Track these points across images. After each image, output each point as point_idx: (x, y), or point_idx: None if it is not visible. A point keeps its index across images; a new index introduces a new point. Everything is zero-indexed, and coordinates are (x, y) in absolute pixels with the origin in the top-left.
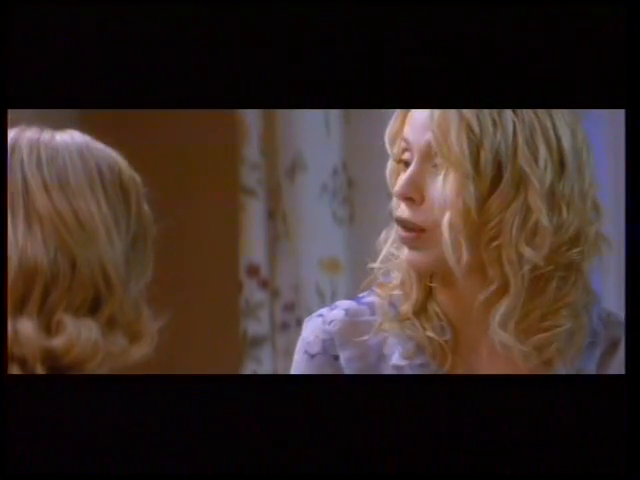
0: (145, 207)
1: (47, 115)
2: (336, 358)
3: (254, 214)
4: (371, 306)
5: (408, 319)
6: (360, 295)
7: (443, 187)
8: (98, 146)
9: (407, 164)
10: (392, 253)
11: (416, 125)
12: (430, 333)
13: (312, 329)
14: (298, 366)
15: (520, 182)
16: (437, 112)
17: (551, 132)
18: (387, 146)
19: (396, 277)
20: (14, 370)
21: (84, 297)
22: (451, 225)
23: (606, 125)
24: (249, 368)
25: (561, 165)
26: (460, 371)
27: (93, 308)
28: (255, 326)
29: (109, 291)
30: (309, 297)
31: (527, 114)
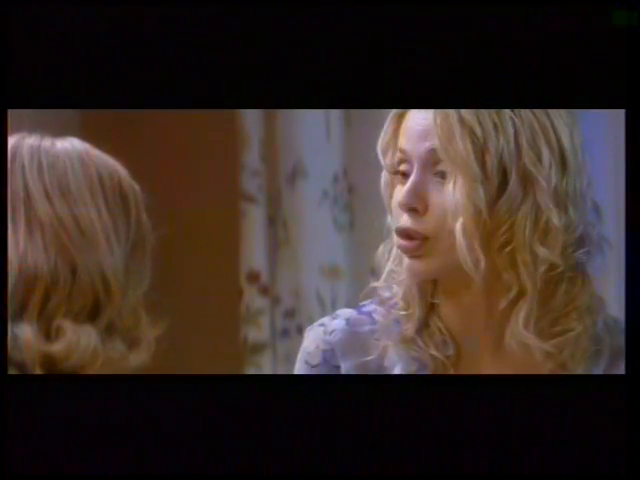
0: (144, 215)
1: (48, 118)
2: (337, 368)
3: (255, 220)
4: (372, 315)
5: (412, 339)
6: (361, 304)
7: (453, 193)
8: (98, 153)
9: (405, 175)
10: (393, 270)
11: (412, 135)
12: (433, 351)
13: (313, 339)
14: None
15: (527, 183)
16: (439, 118)
17: (551, 132)
18: (380, 157)
19: (397, 293)
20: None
21: (84, 303)
22: (464, 230)
23: (606, 125)
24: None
25: (563, 164)
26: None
27: (92, 314)
28: (255, 332)
29: (108, 297)
30: (309, 303)
31: (526, 115)
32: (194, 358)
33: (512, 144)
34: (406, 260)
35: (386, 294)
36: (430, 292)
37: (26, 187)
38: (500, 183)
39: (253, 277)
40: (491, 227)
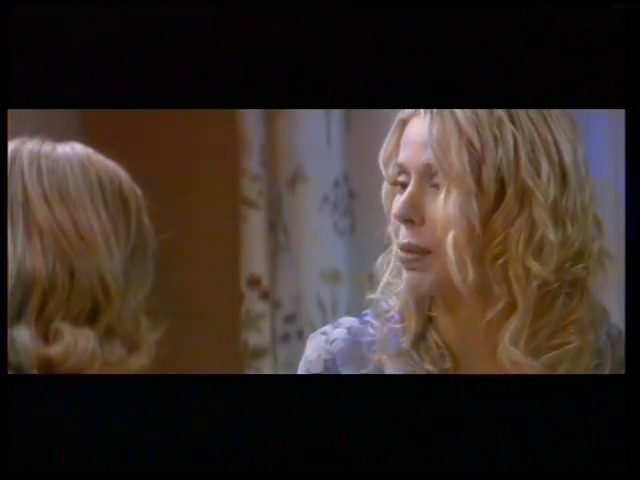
0: (146, 219)
1: (50, 121)
2: None
3: (255, 226)
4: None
5: (407, 353)
6: (364, 312)
7: (445, 205)
8: (99, 158)
9: (404, 186)
10: (390, 282)
11: (411, 146)
12: (428, 366)
13: (315, 348)
14: None
15: (524, 197)
16: (435, 129)
17: (552, 147)
18: (381, 168)
19: (394, 305)
20: None
21: (82, 307)
22: (455, 244)
23: (606, 125)
24: None
25: (563, 179)
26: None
27: (91, 317)
28: (256, 337)
29: (107, 301)
30: (310, 308)
31: (527, 128)
32: (195, 362)
33: (511, 156)
34: (405, 272)
35: (383, 306)
36: (427, 305)
37: (25, 191)
38: (496, 195)
39: (254, 282)
40: (485, 239)
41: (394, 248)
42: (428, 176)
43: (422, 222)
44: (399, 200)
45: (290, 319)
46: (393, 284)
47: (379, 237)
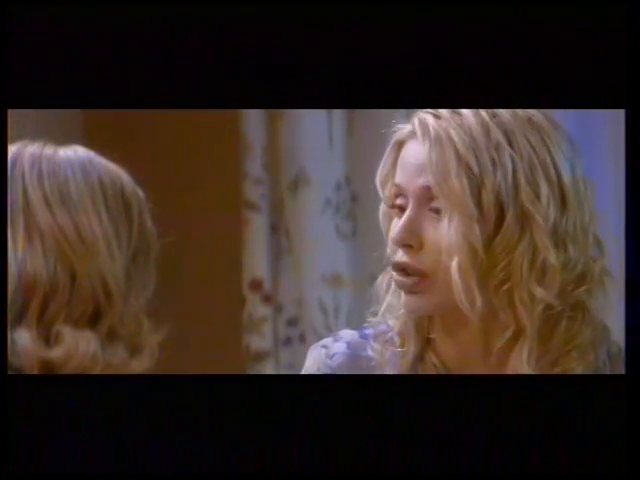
0: (148, 222)
1: (51, 123)
2: None
3: (257, 229)
4: (371, 340)
5: None
6: (364, 325)
7: (448, 231)
8: (101, 161)
9: (401, 209)
10: (392, 304)
11: (408, 169)
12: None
13: (314, 361)
14: None
15: (524, 221)
16: (433, 154)
17: (551, 168)
18: (378, 189)
19: (394, 327)
20: None
21: (84, 309)
22: (460, 269)
23: (606, 125)
24: None
25: (562, 201)
26: None
27: (93, 320)
28: (258, 341)
29: (109, 304)
30: (312, 312)
31: (525, 150)
32: (196, 366)
33: (510, 180)
34: (403, 296)
35: (382, 327)
36: (426, 327)
37: (26, 194)
38: (497, 220)
39: (256, 285)
40: (488, 265)
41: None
42: (426, 199)
43: (421, 247)
44: (397, 225)
45: (292, 322)
46: (394, 306)
47: (382, 241)
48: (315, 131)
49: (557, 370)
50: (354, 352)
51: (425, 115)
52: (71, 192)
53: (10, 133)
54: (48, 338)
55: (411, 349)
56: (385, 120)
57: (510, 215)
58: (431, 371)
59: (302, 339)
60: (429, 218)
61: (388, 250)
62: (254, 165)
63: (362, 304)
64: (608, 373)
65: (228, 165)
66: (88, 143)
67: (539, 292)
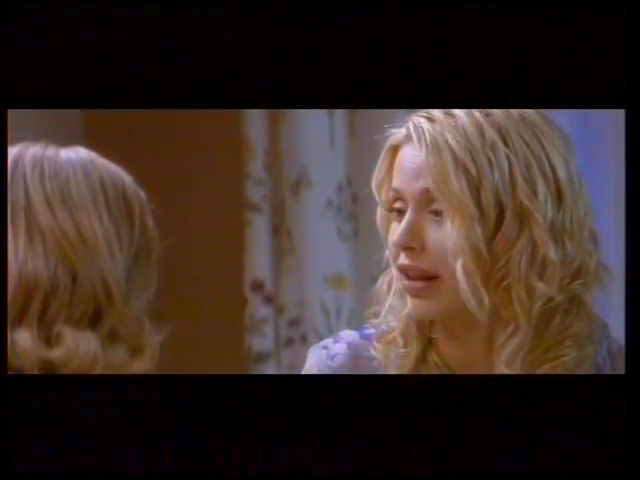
0: (150, 223)
1: (53, 124)
2: None
3: (259, 230)
4: (373, 340)
5: None
6: (364, 325)
7: (451, 233)
8: (103, 162)
9: (400, 212)
10: (394, 306)
11: (406, 174)
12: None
13: (315, 362)
14: None
15: (523, 218)
16: (431, 157)
17: (546, 164)
18: (375, 194)
19: (395, 329)
20: None
21: (84, 310)
22: (465, 270)
23: (606, 125)
24: None
25: (559, 196)
26: None
27: (94, 321)
28: (260, 342)
29: (110, 304)
30: (314, 313)
31: (520, 148)
32: (198, 367)
33: (507, 179)
34: (410, 300)
35: (384, 328)
36: (428, 328)
37: (27, 195)
38: (497, 219)
39: (257, 286)
40: (490, 263)
41: (394, 270)
42: (426, 202)
43: (423, 249)
44: (398, 228)
45: (294, 323)
46: (396, 307)
47: (384, 242)
48: (317, 132)
49: (550, 355)
50: (355, 353)
51: (419, 119)
52: (72, 193)
53: (12, 134)
54: (49, 338)
55: (414, 349)
56: (387, 121)
57: (509, 213)
58: (434, 371)
59: (303, 340)
60: (429, 220)
61: (387, 253)
62: (256, 166)
63: (364, 305)
64: (609, 370)
65: (229, 166)
66: (90, 144)
67: (540, 287)
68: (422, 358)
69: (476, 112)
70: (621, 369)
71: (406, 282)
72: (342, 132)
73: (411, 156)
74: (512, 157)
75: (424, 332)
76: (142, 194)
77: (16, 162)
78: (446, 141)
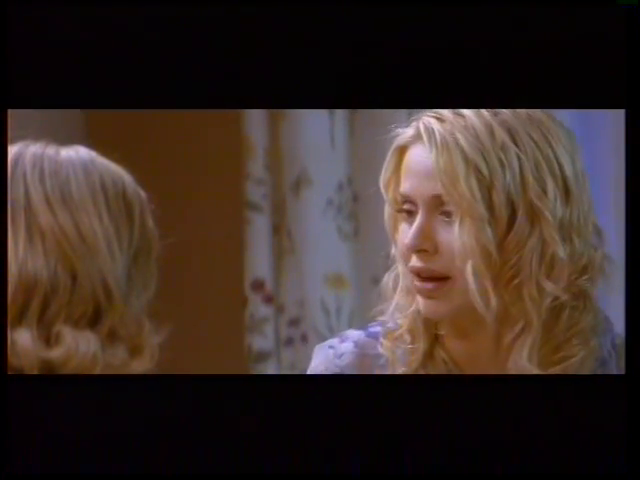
0: (150, 222)
1: (53, 123)
2: None
3: (259, 229)
4: (379, 338)
5: (416, 371)
6: (369, 325)
7: (460, 235)
8: (103, 161)
9: (410, 213)
10: (400, 304)
11: (415, 177)
12: None
13: (322, 360)
14: None
15: (534, 217)
16: (442, 161)
17: (554, 162)
18: (383, 192)
19: (403, 325)
20: None
21: (84, 309)
22: (475, 272)
23: (606, 125)
24: None
25: (566, 193)
26: None
27: (94, 321)
28: (260, 341)
29: (110, 304)
30: (314, 312)
31: (529, 147)
32: (198, 366)
33: (518, 179)
34: (421, 300)
35: (391, 325)
36: (435, 324)
37: (27, 194)
38: (508, 219)
39: (257, 286)
40: (500, 263)
41: (400, 268)
42: (436, 205)
43: (435, 250)
44: (410, 231)
45: (294, 323)
46: (403, 305)
47: (384, 242)
48: (317, 132)
49: (559, 356)
50: (362, 351)
51: (429, 119)
52: (72, 192)
53: (13, 133)
54: (48, 338)
55: (421, 346)
56: (387, 121)
57: (520, 214)
58: (441, 367)
59: (304, 339)
60: (440, 222)
61: (393, 250)
62: (256, 166)
63: (364, 304)
64: (614, 363)
65: (230, 166)
66: (90, 143)
67: (549, 286)
68: (429, 354)
69: (484, 111)
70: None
71: (418, 283)
72: (342, 132)
73: (420, 157)
74: (522, 156)
75: (431, 329)
76: (142, 193)
77: (16, 161)
78: (457, 142)
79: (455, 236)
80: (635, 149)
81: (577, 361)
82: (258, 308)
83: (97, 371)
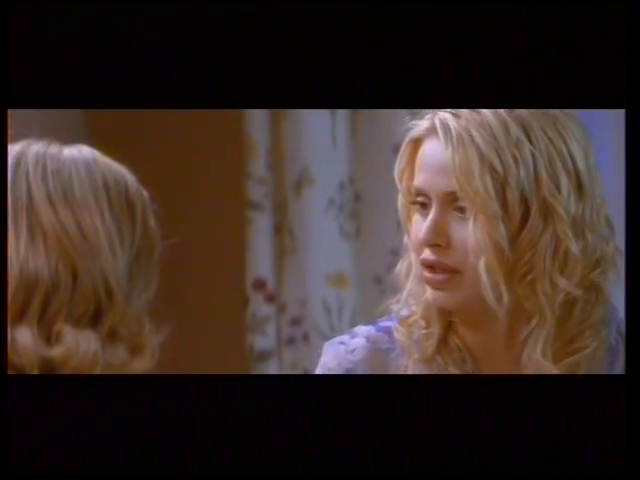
0: (152, 222)
1: (55, 123)
2: None
3: (261, 229)
4: (389, 332)
5: (432, 357)
6: (378, 320)
7: (474, 231)
8: (105, 160)
9: (423, 205)
10: (414, 291)
11: (428, 171)
12: (452, 368)
13: (334, 356)
14: None
15: (547, 214)
16: (457, 157)
17: (568, 158)
18: (397, 182)
19: (416, 312)
20: None
21: (85, 308)
22: (487, 268)
23: (606, 125)
24: None
25: (579, 189)
26: None
27: (94, 320)
28: (261, 340)
29: (110, 303)
30: (316, 312)
31: (544, 143)
32: (199, 366)
33: (532, 175)
34: (430, 291)
35: (404, 312)
36: (449, 311)
37: (29, 192)
38: (522, 216)
39: (259, 285)
40: (513, 259)
41: (412, 257)
42: (450, 201)
43: (448, 245)
44: (424, 226)
45: (296, 322)
46: (416, 292)
47: (386, 241)
48: (319, 131)
49: (572, 348)
50: (374, 345)
51: (444, 114)
52: (75, 191)
53: (15, 132)
54: (49, 337)
55: (436, 331)
56: (389, 121)
57: (534, 210)
58: (455, 354)
59: (305, 339)
60: (454, 217)
61: (405, 239)
62: (257, 165)
63: (365, 304)
64: (621, 349)
65: (231, 165)
66: (93, 143)
67: (562, 282)
68: (444, 340)
69: None
70: None
71: (428, 275)
72: (344, 131)
73: (434, 152)
74: (536, 153)
75: (444, 315)
76: (144, 193)
77: (19, 159)
78: (472, 138)
79: (469, 232)
80: (635, 149)
81: (590, 352)
82: (259, 307)
83: (97, 370)
